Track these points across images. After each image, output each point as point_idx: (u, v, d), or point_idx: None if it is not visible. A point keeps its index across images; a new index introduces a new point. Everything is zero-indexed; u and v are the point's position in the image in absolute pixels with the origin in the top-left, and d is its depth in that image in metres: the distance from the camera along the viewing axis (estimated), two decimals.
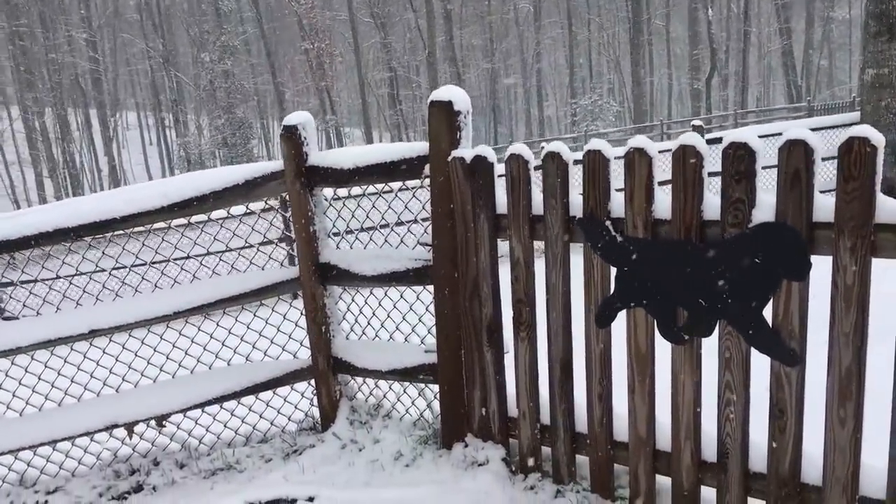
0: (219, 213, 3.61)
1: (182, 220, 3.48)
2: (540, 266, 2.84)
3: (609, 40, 50.11)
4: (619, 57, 48.88)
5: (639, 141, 2.49)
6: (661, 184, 2.53)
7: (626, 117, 44.42)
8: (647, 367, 2.62)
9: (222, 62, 36.61)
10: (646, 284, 2.53)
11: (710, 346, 2.50)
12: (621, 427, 2.80)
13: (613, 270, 2.64)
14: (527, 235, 2.84)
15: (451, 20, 40.29)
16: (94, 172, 44.76)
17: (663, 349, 2.60)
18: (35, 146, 40.40)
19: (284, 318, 3.71)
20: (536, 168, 2.80)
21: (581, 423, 2.89)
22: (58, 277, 3.29)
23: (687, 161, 2.35)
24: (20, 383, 3.54)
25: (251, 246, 3.56)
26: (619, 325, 2.69)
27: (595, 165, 2.58)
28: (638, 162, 2.47)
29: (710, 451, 2.57)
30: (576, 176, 2.77)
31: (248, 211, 3.76)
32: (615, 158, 2.65)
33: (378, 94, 48.63)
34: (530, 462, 3.06)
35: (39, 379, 3.55)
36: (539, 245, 2.85)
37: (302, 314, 3.64)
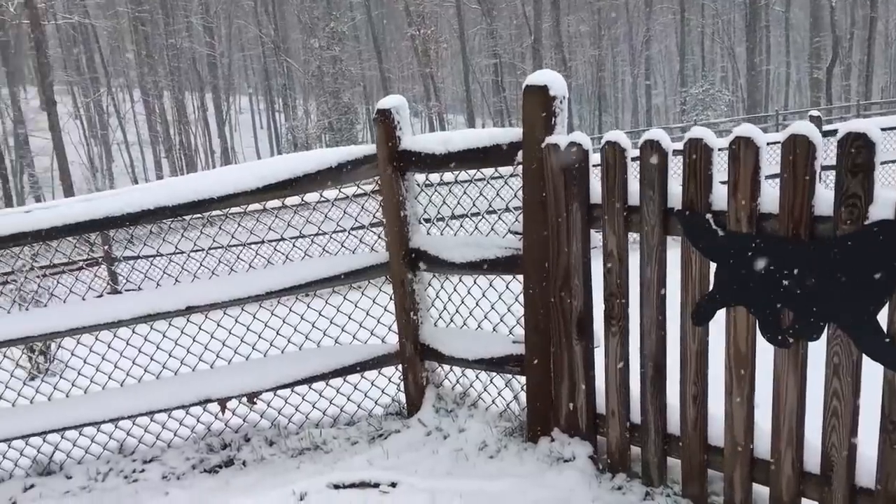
0: (312, 196, 3.62)
1: (276, 202, 3.52)
2: (634, 259, 2.72)
3: (724, 27, 48.30)
4: (733, 44, 47.07)
5: (745, 129, 2.34)
6: (768, 177, 2.37)
7: (738, 107, 42.78)
8: (747, 369, 2.47)
9: (331, 48, 37.32)
10: (748, 282, 2.38)
11: (815, 350, 2.33)
12: (716, 430, 2.65)
13: (713, 266, 2.50)
14: (621, 227, 2.73)
15: (559, 6, 39.72)
16: (208, 154, 46.49)
17: (764, 351, 2.45)
18: (154, 128, 42.37)
19: (374, 301, 3.71)
20: (634, 159, 2.69)
21: (673, 424, 2.76)
22: (158, 255, 3.38)
23: (797, 152, 2.19)
24: (121, 355, 3.67)
25: (344, 230, 3.56)
26: (717, 324, 2.55)
27: (697, 155, 2.44)
28: (744, 152, 2.31)
29: (813, 462, 2.40)
30: (674, 166, 2.63)
31: (340, 195, 3.76)
32: (719, 149, 2.49)
33: (482, 81, 48.53)
34: (618, 461, 2.95)
35: (139, 352, 3.67)
36: (634, 237, 2.73)
37: (391, 299, 3.63)
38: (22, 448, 3.78)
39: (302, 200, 3.56)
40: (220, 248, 3.52)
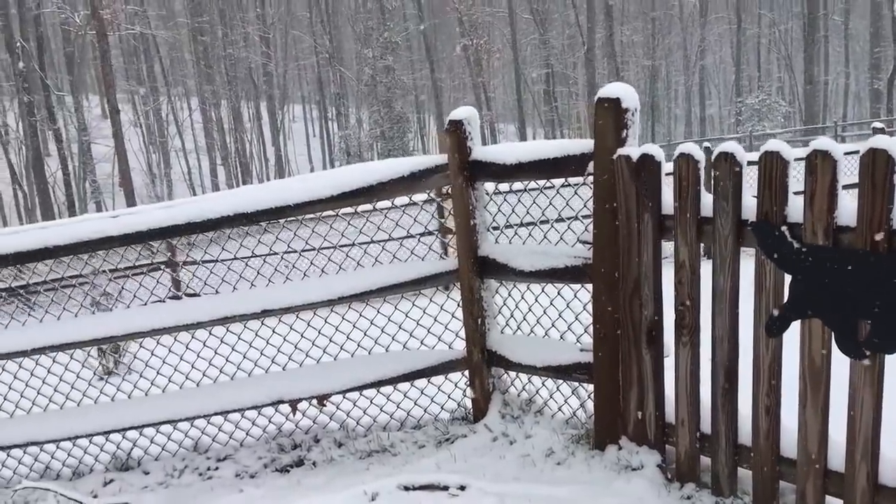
0: (382, 204, 3.72)
1: (349, 209, 3.62)
2: (706, 269, 2.74)
3: (781, 36, 47.52)
4: (790, 54, 46.29)
5: (823, 143, 2.35)
6: (844, 187, 2.38)
7: (795, 118, 42.01)
8: (822, 380, 2.48)
9: (384, 58, 37.72)
10: (824, 294, 2.40)
11: (892, 362, 2.33)
12: (789, 442, 2.66)
13: (787, 277, 2.52)
14: (694, 238, 2.76)
15: (612, 16, 39.58)
16: (262, 161, 47.30)
17: (839, 362, 2.45)
18: (211, 135, 43.28)
19: (441, 308, 3.78)
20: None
21: (744, 434, 2.77)
22: (235, 259, 3.51)
23: (877, 165, 2.20)
24: (198, 356, 3.81)
25: (412, 236, 3.65)
26: (791, 335, 2.56)
27: (772, 167, 2.47)
28: (821, 165, 2.33)
29: (889, 475, 2.40)
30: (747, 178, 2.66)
31: (409, 202, 3.85)
32: (794, 160, 2.51)
33: (533, 91, 48.51)
34: (687, 471, 2.97)
35: (216, 353, 3.80)
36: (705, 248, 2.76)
37: (459, 306, 3.70)
38: (102, 444, 3.94)
39: (373, 208, 3.65)
40: (293, 252, 3.63)
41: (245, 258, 3.68)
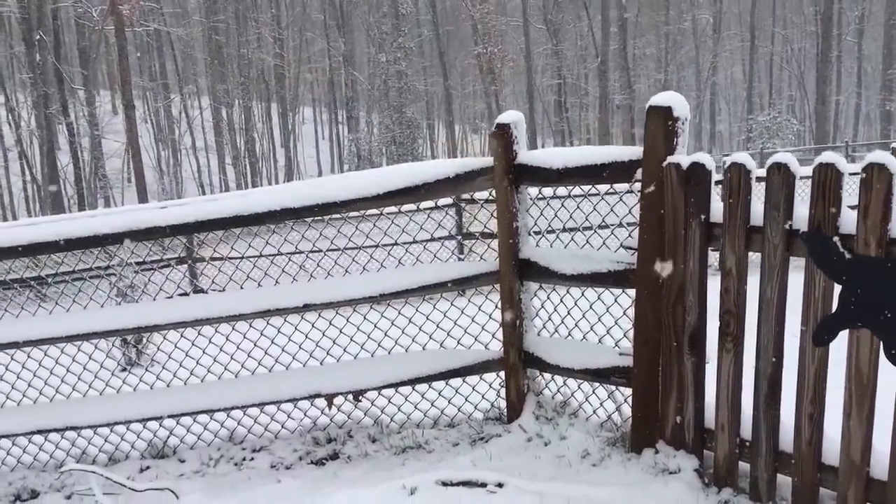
0: (426, 204, 3.77)
1: (393, 209, 3.68)
2: (751, 278, 2.80)
3: (794, 55, 47.61)
4: (803, 73, 46.38)
5: (879, 156, 2.41)
6: None
7: (806, 137, 42.08)
8: (868, 390, 2.53)
9: (397, 63, 37.84)
10: (874, 305, 2.45)
11: None
12: (830, 449, 2.70)
13: (837, 287, 2.57)
14: (742, 246, 2.81)
15: (626, 29, 39.67)
16: (272, 163, 47.41)
17: (885, 372, 2.50)
18: (221, 134, 43.39)
19: (480, 309, 3.83)
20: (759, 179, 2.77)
21: (785, 441, 2.82)
22: (279, 254, 3.56)
23: None
24: (238, 347, 3.86)
25: (453, 237, 3.70)
26: (837, 345, 2.61)
27: (826, 179, 2.52)
28: (876, 177, 2.39)
29: None
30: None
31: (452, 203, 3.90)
32: (849, 174, 2.56)
33: (545, 101, 48.61)
34: (725, 476, 3.01)
35: (255, 345, 3.86)
36: (752, 257, 2.81)
37: (496, 307, 3.75)
38: (139, 431, 3.99)
39: (417, 208, 3.71)
40: (336, 250, 3.69)
41: (288, 254, 3.74)
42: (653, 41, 47.26)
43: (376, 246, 4.06)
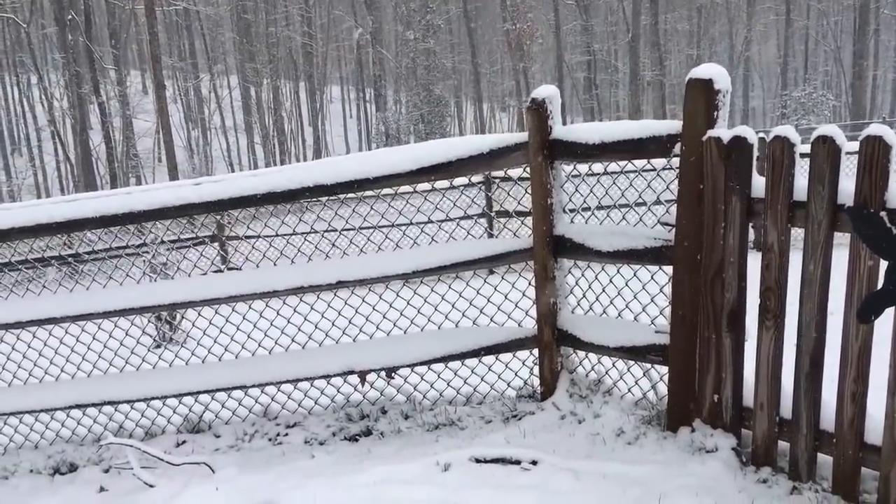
0: (460, 181, 3.74)
1: (426, 186, 3.65)
2: (793, 254, 2.74)
3: (830, 28, 46.61)
4: (839, 47, 45.40)
5: None
6: None
7: (842, 112, 41.28)
8: None
9: (425, 40, 37.65)
10: None
11: None
12: (872, 428, 2.65)
13: (883, 263, 2.50)
14: (784, 221, 2.74)
15: (658, 4, 38.99)
16: (300, 141, 47.56)
17: None
18: (250, 114, 43.58)
19: (513, 286, 3.81)
20: (804, 155, 2.70)
21: (826, 420, 2.77)
22: (313, 231, 3.55)
23: None
24: (272, 324, 3.88)
25: (485, 214, 3.67)
26: (882, 322, 2.55)
27: (873, 152, 2.45)
28: None
29: None
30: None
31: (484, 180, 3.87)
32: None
33: (574, 78, 48.13)
34: (763, 455, 2.97)
35: (288, 322, 3.87)
36: (794, 233, 2.75)
37: (530, 284, 3.72)
38: (175, 406, 4.03)
39: (451, 184, 3.68)
40: (369, 228, 3.67)
41: (322, 231, 3.73)
42: (685, 16, 46.54)
43: (409, 223, 4.04)
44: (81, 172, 29.78)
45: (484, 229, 6.80)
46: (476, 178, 9.49)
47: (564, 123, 3.34)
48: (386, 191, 3.72)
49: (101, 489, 3.56)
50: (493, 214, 3.92)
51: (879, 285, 2.53)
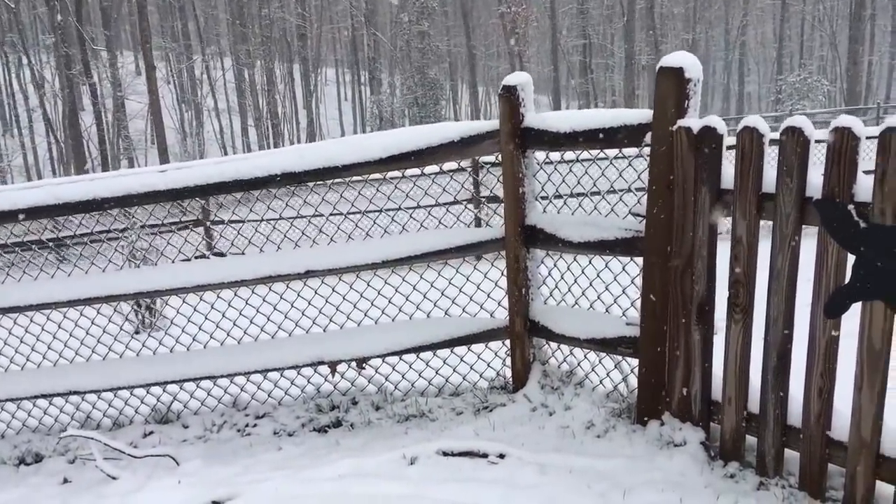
0: (431, 169, 3.68)
1: (397, 173, 3.59)
2: (762, 247, 2.69)
3: (826, 13, 46.41)
4: (835, 32, 45.21)
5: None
6: None
7: (837, 98, 41.18)
8: (880, 365, 2.43)
9: (420, 23, 37.40)
10: (889, 276, 2.33)
11: None
12: (840, 425, 2.61)
13: (850, 258, 2.45)
14: (753, 213, 2.69)
15: None
16: (294, 124, 47.30)
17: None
18: (243, 96, 43.31)
19: (485, 276, 3.75)
20: (773, 142, 2.64)
21: (794, 416, 2.73)
22: (281, 218, 3.49)
23: None
24: (240, 313, 3.82)
25: (458, 202, 3.61)
26: (849, 317, 2.50)
27: (841, 144, 2.39)
28: (894, 143, 2.26)
29: None
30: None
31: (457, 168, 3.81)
32: (866, 138, 2.43)
33: (569, 62, 47.90)
34: (731, 449, 2.93)
35: (257, 311, 3.81)
36: (764, 225, 2.70)
37: (503, 274, 3.67)
38: (143, 396, 3.98)
39: (422, 172, 3.62)
40: (338, 214, 3.61)
41: (290, 218, 3.67)
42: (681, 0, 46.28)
43: (398, 209, 3.98)
44: (71, 154, 29.56)
45: (474, 216, 6.74)
46: (465, 163, 9.44)
47: (559, 107, 3.29)
48: (375, 176, 3.65)
49: (65, 480, 3.52)
50: (477, 203, 3.84)
51: (847, 280, 2.48)
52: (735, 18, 46.17)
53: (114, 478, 3.33)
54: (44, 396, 3.82)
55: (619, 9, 41.69)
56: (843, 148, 2.39)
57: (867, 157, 2.55)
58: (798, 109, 29.04)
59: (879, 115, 26.58)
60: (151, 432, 3.87)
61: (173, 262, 3.96)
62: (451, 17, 52.82)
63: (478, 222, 8.69)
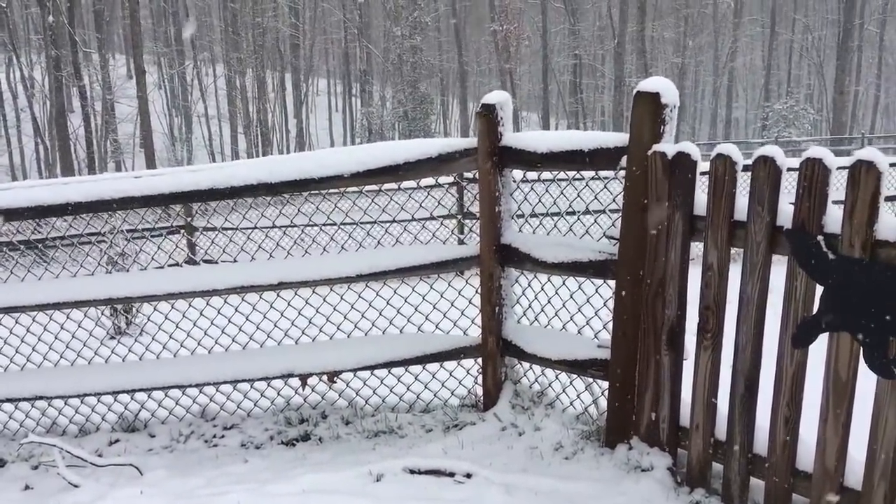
0: (408, 184, 3.67)
1: (374, 187, 3.58)
2: (733, 274, 2.69)
3: (814, 43, 46.95)
4: (822, 61, 45.73)
5: (868, 153, 2.29)
6: (887, 199, 2.31)
7: (822, 127, 41.58)
8: (846, 396, 2.43)
9: (412, 37, 37.50)
10: (856, 309, 2.34)
11: None
12: (805, 455, 2.61)
13: (819, 288, 2.46)
14: (725, 241, 2.70)
15: (645, 11, 39.12)
16: (283, 133, 47.23)
17: (864, 379, 2.40)
18: (234, 103, 43.21)
19: (460, 293, 3.74)
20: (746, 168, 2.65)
21: (760, 444, 2.72)
22: (255, 228, 3.47)
23: None
24: (212, 323, 3.79)
25: (434, 218, 3.60)
26: (816, 348, 2.51)
27: (813, 175, 2.40)
28: (864, 175, 2.27)
29: None
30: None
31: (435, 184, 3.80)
32: (837, 169, 2.44)
33: (560, 81, 48.16)
34: (698, 476, 2.92)
35: (229, 321, 3.78)
36: (735, 253, 2.70)
37: (477, 292, 3.66)
38: (110, 403, 3.94)
39: (398, 187, 3.61)
40: (314, 226, 3.59)
41: (265, 228, 3.64)
42: (672, 24, 46.66)
43: (391, 221, 3.96)
44: (58, 156, 29.37)
45: (451, 232, 6.74)
46: (447, 180, 9.44)
47: (548, 126, 3.29)
48: (370, 188, 3.63)
49: (27, 487, 3.46)
50: (461, 224, 3.84)
51: (815, 310, 2.48)
52: (724, 45, 46.59)
53: (76, 486, 3.29)
54: (9, 401, 3.77)
55: (610, 31, 42.00)
56: (814, 179, 2.40)
57: (839, 185, 2.56)
58: (784, 137, 29.31)
59: (864, 146, 26.85)
60: (117, 440, 3.82)
61: (144, 268, 3.92)
62: (443, 32, 52.96)
63: (460, 241, 8.69)
